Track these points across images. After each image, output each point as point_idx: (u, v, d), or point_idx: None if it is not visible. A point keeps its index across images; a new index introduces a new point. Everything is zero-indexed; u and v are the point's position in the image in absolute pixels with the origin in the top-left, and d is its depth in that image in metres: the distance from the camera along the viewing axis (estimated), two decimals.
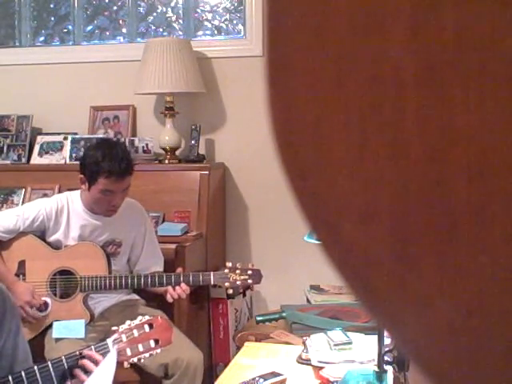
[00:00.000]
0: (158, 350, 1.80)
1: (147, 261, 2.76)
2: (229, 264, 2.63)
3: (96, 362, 1.69)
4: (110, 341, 1.77)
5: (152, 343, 1.79)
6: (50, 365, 1.67)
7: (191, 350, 2.57)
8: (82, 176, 2.58)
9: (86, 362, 1.70)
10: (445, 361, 0.31)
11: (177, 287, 2.56)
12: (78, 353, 1.72)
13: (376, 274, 0.31)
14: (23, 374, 1.61)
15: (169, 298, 2.58)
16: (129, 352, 1.76)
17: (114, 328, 1.85)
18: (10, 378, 1.59)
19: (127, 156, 2.58)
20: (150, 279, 2.58)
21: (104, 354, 1.71)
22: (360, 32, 0.29)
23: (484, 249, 0.29)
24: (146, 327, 1.80)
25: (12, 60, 3.81)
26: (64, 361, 1.69)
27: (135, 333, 1.78)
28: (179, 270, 2.64)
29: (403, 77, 0.29)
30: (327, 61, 0.29)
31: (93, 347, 1.75)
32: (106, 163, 2.50)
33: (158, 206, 3.14)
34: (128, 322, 1.82)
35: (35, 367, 1.64)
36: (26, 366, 1.66)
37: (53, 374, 1.65)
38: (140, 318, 1.85)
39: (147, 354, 1.79)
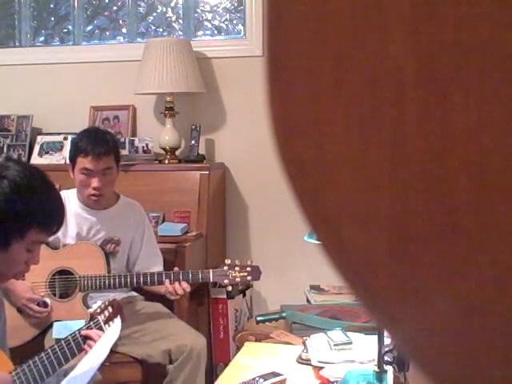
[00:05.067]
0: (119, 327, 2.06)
1: (146, 261, 2.76)
2: (228, 261, 2.63)
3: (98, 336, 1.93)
4: (100, 318, 2.01)
5: (115, 321, 2.06)
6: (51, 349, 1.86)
7: (193, 335, 2.59)
8: (68, 162, 2.65)
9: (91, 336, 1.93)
10: (445, 361, 0.31)
11: (175, 284, 2.55)
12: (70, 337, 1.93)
13: (376, 273, 0.31)
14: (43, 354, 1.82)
15: (169, 296, 2.58)
16: (107, 328, 2.01)
17: (90, 310, 2.07)
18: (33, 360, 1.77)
19: (106, 138, 2.65)
20: (149, 277, 2.58)
21: (98, 330, 1.97)
22: (360, 31, 0.29)
23: (484, 249, 0.29)
24: (110, 308, 2.05)
25: (12, 60, 3.81)
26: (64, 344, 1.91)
27: (106, 313, 2.04)
28: (176, 269, 2.64)
29: (403, 76, 0.29)
30: (327, 60, 0.29)
31: (92, 324, 1.98)
32: (83, 143, 2.60)
33: (158, 206, 3.14)
34: (95, 305, 2.06)
35: (49, 349, 1.85)
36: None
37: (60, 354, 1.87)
38: (99, 302, 2.08)
39: (114, 322, 2.06)
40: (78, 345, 1.90)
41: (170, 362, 2.53)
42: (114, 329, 1.97)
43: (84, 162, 2.58)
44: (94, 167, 2.57)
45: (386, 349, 1.57)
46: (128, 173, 3.14)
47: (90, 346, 1.89)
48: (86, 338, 1.92)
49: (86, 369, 1.75)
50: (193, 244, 3.01)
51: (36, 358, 1.78)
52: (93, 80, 3.69)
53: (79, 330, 1.94)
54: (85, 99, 3.65)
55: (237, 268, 2.60)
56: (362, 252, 0.31)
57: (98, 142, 2.58)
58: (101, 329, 1.98)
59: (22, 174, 1.62)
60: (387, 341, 1.61)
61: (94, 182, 2.59)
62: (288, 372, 1.87)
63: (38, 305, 2.54)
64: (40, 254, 1.78)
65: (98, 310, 2.04)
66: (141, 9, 3.82)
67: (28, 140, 3.61)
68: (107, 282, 2.57)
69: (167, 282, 2.57)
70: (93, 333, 1.93)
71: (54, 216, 1.69)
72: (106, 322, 2.02)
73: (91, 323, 1.99)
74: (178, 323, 2.66)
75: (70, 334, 1.92)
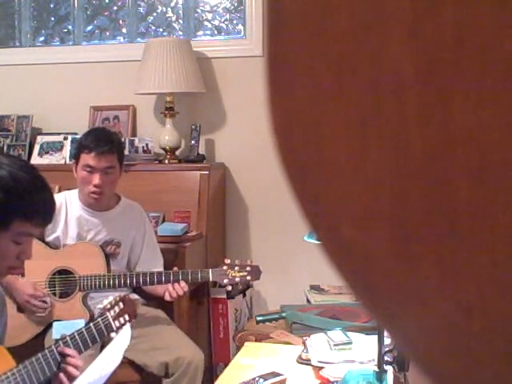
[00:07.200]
0: (129, 323, 2.03)
1: (147, 263, 2.76)
2: (227, 261, 2.62)
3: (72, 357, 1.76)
4: (109, 314, 1.99)
5: (126, 317, 2.03)
6: (44, 354, 1.74)
7: (192, 349, 2.57)
8: (72, 160, 2.71)
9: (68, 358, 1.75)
10: (445, 361, 0.31)
11: (175, 285, 2.55)
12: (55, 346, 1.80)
13: (376, 273, 0.31)
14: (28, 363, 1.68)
15: (167, 297, 2.58)
16: (116, 324, 2.00)
17: (100, 306, 2.03)
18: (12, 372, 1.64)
19: (112, 137, 2.68)
20: (148, 277, 2.58)
21: (106, 326, 1.95)
22: (360, 31, 0.29)
23: (484, 249, 0.29)
24: (121, 304, 2.03)
25: (12, 60, 3.81)
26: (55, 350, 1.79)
27: (116, 309, 2.01)
28: (175, 269, 2.63)
29: (403, 77, 0.29)
30: (327, 60, 0.29)
31: (100, 320, 1.94)
32: (88, 140, 2.63)
33: (158, 206, 3.14)
34: (105, 301, 2.02)
35: (39, 355, 1.72)
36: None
37: (51, 361, 1.74)
38: (111, 297, 2.04)
39: (124, 327, 2.02)
40: (55, 361, 1.73)
41: (167, 375, 2.52)
42: (124, 334, 1.91)
43: (87, 159, 2.60)
44: (96, 164, 2.59)
45: (386, 349, 1.57)
46: (128, 173, 3.14)
47: (68, 363, 1.73)
48: (63, 355, 1.76)
49: (96, 377, 1.68)
50: (193, 244, 3.01)
51: (20, 367, 1.65)
52: (93, 80, 3.69)
53: (56, 345, 1.76)
54: (85, 99, 3.65)
55: (236, 267, 2.60)
56: (361, 252, 0.31)
57: (103, 140, 2.61)
58: (109, 325, 1.95)
59: (7, 166, 1.63)
60: (387, 341, 1.61)
61: (96, 179, 2.60)
62: (288, 372, 1.87)
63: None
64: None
65: (108, 306, 2.01)
66: (141, 9, 3.82)
67: (28, 140, 3.61)
68: (107, 281, 2.57)
69: (168, 284, 2.56)
70: (70, 351, 1.77)
71: (39, 206, 1.68)
72: (116, 318, 1.99)
73: (99, 319, 1.96)
74: (177, 333, 2.65)
75: (47, 348, 1.76)
